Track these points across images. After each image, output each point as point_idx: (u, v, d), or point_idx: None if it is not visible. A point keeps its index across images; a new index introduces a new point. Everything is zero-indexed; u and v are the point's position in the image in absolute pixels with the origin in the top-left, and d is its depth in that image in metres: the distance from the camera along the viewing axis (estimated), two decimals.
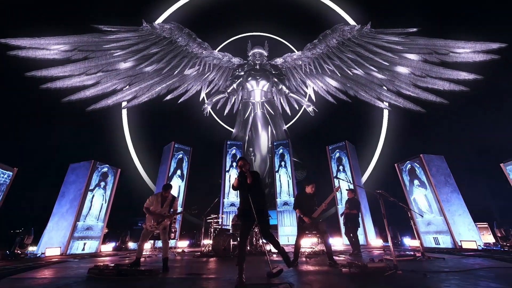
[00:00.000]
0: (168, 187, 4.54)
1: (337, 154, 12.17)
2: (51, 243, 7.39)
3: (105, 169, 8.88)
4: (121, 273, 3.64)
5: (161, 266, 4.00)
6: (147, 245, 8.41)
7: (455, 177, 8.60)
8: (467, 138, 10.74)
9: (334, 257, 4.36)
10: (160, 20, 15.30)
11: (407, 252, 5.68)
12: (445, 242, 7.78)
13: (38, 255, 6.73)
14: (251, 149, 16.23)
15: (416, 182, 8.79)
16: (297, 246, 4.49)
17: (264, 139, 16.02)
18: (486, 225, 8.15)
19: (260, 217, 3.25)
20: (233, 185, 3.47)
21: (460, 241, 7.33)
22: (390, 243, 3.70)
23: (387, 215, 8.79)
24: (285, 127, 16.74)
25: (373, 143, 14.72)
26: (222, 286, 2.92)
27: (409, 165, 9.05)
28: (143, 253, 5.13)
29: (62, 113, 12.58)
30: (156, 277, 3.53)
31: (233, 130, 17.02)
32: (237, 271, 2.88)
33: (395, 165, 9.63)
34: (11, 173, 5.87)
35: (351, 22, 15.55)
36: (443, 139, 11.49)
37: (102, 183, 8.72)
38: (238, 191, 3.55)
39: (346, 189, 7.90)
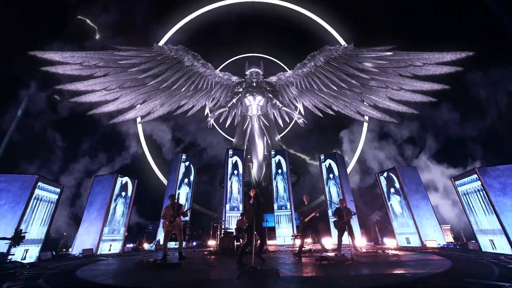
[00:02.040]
0: (172, 196, 6.34)
1: (328, 163, 13.69)
2: (83, 245, 8.88)
3: (126, 181, 10.40)
4: (158, 265, 5.17)
5: (182, 261, 5.54)
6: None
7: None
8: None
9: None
10: (162, 41, 17.20)
11: (375, 250, 7.22)
12: (414, 241, 9.31)
13: (76, 255, 8.25)
14: (249, 156, 17.87)
15: (392, 190, 10.33)
16: (301, 244, 6.47)
17: (260, 148, 17.68)
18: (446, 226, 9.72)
19: (260, 230, 5.02)
20: (248, 203, 5.16)
21: (425, 240, 8.87)
22: (350, 243, 5.24)
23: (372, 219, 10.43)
24: (278, 137, 18.46)
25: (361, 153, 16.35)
26: (230, 271, 4.44)
27: (387, 175, 10.59)
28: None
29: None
30: (183, 267, 5.05)
31: (234, 140, 18.69)
32: (241, 259, 4.45)
33: (375, 174, 11.17)
34: (59, 189, 7.36)
35: (340, 39, 17.40)
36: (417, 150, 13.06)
37: (123, 193, 10.25)
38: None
39: (340, 199, 9.44)
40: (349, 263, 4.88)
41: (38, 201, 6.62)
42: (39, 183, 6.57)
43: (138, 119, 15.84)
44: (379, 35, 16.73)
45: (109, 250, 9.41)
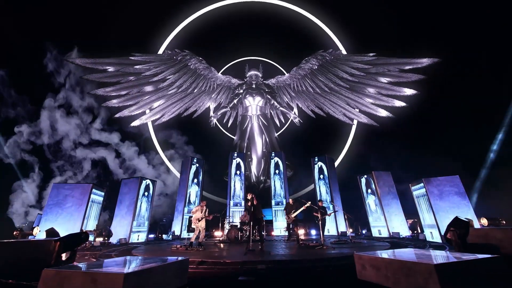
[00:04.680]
0: (203, 201, 8.52)
1: (319, 165, 16.04)
2: (117, 236, 11.37)
3: (148, 182, 12.82)
4: (187, 249, 7.62)
5: (203, 246, 7.99)
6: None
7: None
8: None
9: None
10: (164, 46, 19.50)
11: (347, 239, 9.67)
12: (384, 233, 11.80)
13: (114, 243, 10.76)
14: (249, 153, 20.19)
15: (369, 190, 12.74)
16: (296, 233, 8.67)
17: (259, 145, 19.97)
18: (415, 221, 12.16)
19: (258, 224, 7.22)
20: (247, 205, 7.41)
21: (392, 232, 11.34)
22: (321, 234, 7.65)
23: (357, 216, 13.19)
24: (276, 135, 20.79)
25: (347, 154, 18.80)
26: (239, 251, 6.87)
27: (365, 178, 12.97)
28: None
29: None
30: (206, 250, 7.49)
31: (235, 138, 21.02)
32: (244, 247, 6.85)
33: (357, 177, 13.56)
34: (103, 193, 9.74)
35: (338, 42, 19.53)
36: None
37: (146, 193, 12.68)
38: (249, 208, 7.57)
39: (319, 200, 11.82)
40: (319, 247, 7.32)
41: (92, 203, 9.05)
42: (93, 190, 8.98)
43: (150, 122, 18.38)
44: (374, 40, 18.80)
45: (137, 239, 11.94)
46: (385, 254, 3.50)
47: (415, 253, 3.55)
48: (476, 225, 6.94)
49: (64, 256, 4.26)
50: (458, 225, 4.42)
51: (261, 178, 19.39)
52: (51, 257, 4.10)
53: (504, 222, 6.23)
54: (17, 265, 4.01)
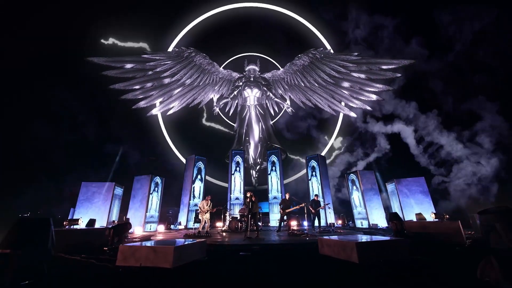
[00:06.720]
0: (209, 195, 10.42)
1: (312, 163, 17.91)
2: (132, 226, 13.34)
3: (157, 179, 14.68)
4: (196, 236, 9.56)
5: (208, 235, 9.92)
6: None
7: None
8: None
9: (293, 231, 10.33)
10: (172, 45, 21.41)
11: (330, 228, 11.63)
12: (365, 224, 13.79)
13: (130, 232, 12.70)
14: (247, 138, 22.45)
15: (354, 187, 14.65)
16: (280, 223, 10.60)
17: (256, 132, 22.33)
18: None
19: (254, 217, 9.15)
20: (246, 201, 9.30)
21: (372, 223, 13.33)
22: (306, 225, 9.57)
23: (344, 210, 15.61)
24: (271, 122, 23.05)
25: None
26: (239, 238, 8.79)
27: (351, 176, 14.86)
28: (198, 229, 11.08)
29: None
30: (212, 237, 9.42)
31: (235, 125, 23.29)
32: (243, 235, 8.77)
33: (345, 175, 15.45)
34: (122, 189, 11.57)
35: (325, 41, 21.68)
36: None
37: (156, 188, 14.58)
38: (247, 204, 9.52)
39: (316, 194, 13.73)
40: (304, 235, 9.27)
41: (115, 198, 10.92)
42: (115, 187, 10.83)
43: (159, 114, 20.84)
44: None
45: (150, 229, 13.93)
46: (334, 237, 5.38)
47: (354, 236, 5.43)
48: (429, 218, 8.83)
49: (116, 239, 6.13)
50: (395, 218, 6.29)
51: (258, 160, 21.89)
52: (107, 240, 5.98)
53: (448, 216, 8.08)
54: (84, 245, 5.87)
